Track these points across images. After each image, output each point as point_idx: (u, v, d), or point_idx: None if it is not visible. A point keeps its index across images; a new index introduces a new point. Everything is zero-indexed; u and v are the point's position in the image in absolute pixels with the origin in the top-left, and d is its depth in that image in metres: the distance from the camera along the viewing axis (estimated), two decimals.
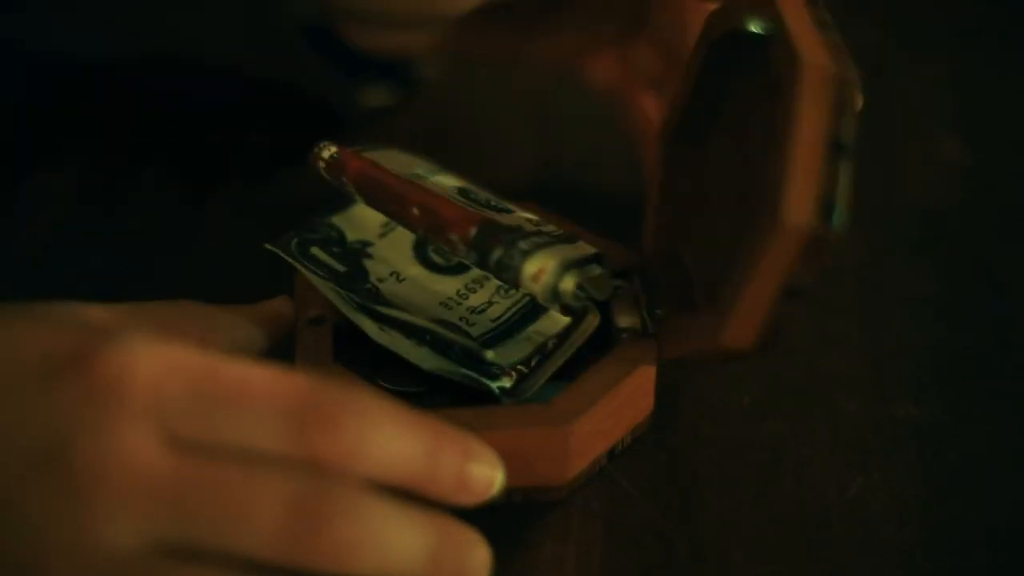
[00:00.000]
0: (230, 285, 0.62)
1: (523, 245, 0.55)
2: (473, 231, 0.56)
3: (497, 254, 0.55)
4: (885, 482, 0.57)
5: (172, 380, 0.44)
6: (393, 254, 0.62)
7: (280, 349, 0.56)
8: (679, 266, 0.59)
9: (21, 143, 0.77)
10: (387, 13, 0.68)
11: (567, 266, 0.55)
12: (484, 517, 0.47)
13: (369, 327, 0.57)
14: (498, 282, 0.60)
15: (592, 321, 0.57)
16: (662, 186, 0.60)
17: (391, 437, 0.45)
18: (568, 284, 0.55)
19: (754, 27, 0.51)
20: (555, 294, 0.55)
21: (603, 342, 0.58)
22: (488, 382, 0.55)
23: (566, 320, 0.57)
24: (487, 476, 0.47)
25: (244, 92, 0.78)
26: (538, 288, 0.55)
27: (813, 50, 0.49)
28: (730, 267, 0.50)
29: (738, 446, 0.59)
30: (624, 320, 0.57)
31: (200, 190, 0.74)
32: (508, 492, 0.52)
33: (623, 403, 0.56)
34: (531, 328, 0.59)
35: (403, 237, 0.62)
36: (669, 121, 0.59)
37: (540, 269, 0.54)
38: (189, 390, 0.44)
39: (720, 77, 0.57)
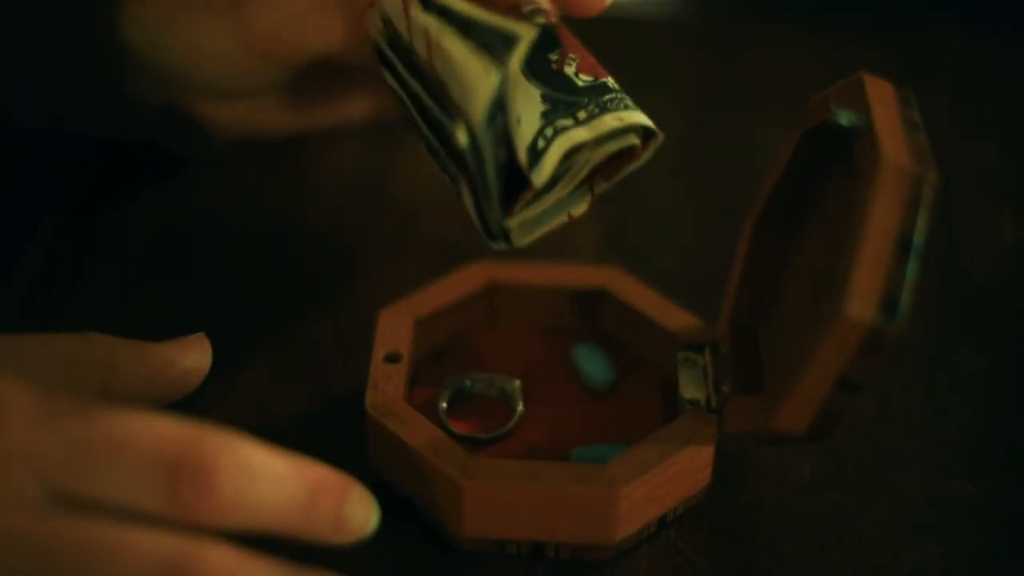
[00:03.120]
0: None
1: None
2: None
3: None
4: (942, 559, 0.57)
5: (46, 429, 0.44)
6: None
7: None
8: (752, 345, 0.60)
9: None
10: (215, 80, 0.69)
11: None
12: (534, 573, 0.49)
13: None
14: None
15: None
16: (746, 265, 0.61)
17: (267, 489, 0.45)
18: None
19: (844, 120, 0.53)
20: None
21: (668, 409, 0.60)
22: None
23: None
24: (362, 516, 0.47)
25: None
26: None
27: (896, 149, 0.50)
28: (795, 352, 0.52)
29: (797, 517, 0.59)
30: (689, 391, 0.59)
31: None
32: (556, 547, 0.54)
33: (678, 473, 0.57)
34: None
35: None
36: (759, 204, 0.60)
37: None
38: (64, 441, 0.44)
39: (811, 166, 0.58)
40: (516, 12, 0.55)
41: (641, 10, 1.14)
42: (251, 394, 0.65)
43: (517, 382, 0.61)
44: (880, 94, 0.53)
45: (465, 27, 0.54)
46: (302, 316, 0.69)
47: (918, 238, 0.49)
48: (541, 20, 0.55)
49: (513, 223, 0.57)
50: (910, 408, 0.66)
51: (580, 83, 0.58)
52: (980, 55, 0.93)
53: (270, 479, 0.45)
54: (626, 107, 0.57)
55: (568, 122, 0.56)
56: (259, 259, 0.74)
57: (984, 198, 0.80)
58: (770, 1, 2.10)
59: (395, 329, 0.61)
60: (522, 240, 0.58)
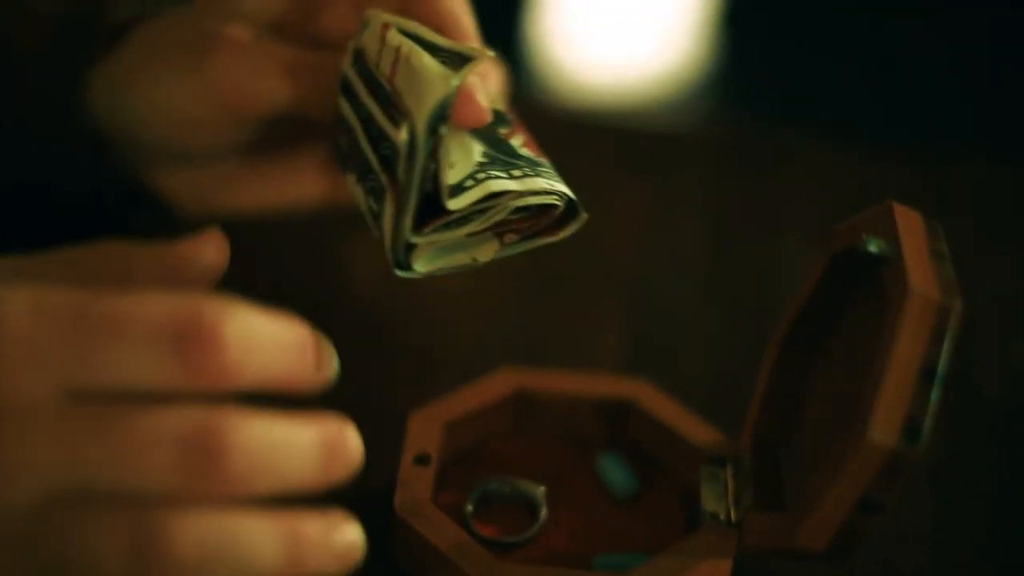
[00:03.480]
0: None
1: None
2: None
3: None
4: None
5: (41, 324, 0.43)
6: None
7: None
8: (774, 461, 0.61)
9: None
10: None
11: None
12: None
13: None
14: None
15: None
16: (769, 384, 0.62)
17: (268, 344, 0.45)
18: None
19: (873, 248, 0.54)
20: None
21: (690, 521, 0.61)
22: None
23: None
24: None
25: None
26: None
27: (924, 279, 0.52)
28: (816, 471, 0.53)
29: None
30: (711, 505, 0.60)
31: None
32: None
33: None
34: None
35: None
36: (785, 325, 0.62)
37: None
38: (61, 332, 0.43)
39: (837, 289, 0.59)
40: None
41: (669, 124, 1.16)
42: None
43: (542, 488, 0.62)
44: (909, 224, 0.55)
45: (432, 48, 0.59)
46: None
47: (942, 367, 0.51)
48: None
49: (421, 240, 0.58)
50: (921, 525, 0.66)
51: (522, 152, 0.61)
52: (1000, 180, 0.94)
53: (269, 335, 0.45)
54: (558, 180, 0.60)
55: (501, 174, 0.58)
56: None
57: (1000, 316, 0.81)
58: (795, 119, 2.13)
59: (425, 432, 0.62)
60: (424, 267, 0.59)
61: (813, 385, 0.62)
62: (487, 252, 0.61)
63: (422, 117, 0.56)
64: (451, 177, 0.57)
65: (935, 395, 0.50)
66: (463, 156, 0.59)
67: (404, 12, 0.63)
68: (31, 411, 0.43)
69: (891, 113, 2.22)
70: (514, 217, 0.60)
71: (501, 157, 0.60)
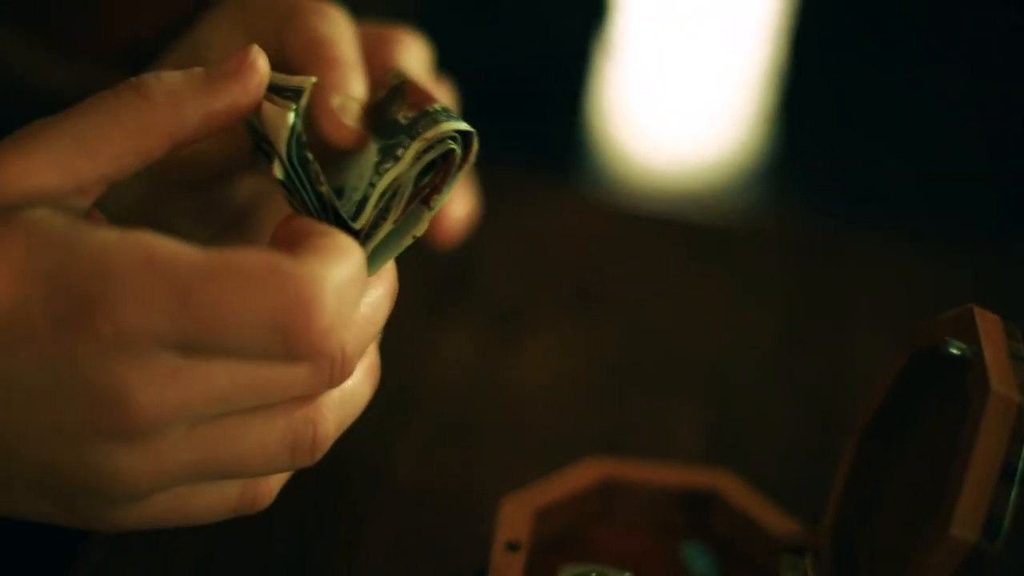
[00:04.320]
0: None
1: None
2: None
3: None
4: None
5: (154, 277, 0.46)
6: None
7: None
8: (852, 552, 0.63)
9: None
10: None
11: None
12: None
13: None
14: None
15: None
16: (848, 476, 0.64)
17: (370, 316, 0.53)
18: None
19: (954, 349, 0.57)
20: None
21: None
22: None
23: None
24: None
25: None
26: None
27: (1004, 380, 0.54)
28: (896, 564, 0.55)
29: None
30: None
31: None
32: None
33: None
34: None
35: None
36: (863, 420, 0.63)
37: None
38: (170, 289, 0.46)
39: (917, 387, 0.61)
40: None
41: (731, 214, 1.18)
42: (374, 572, 0.68)
43: (627, 574, 0.64)
44: (989, 327, 0.57)
45: (276, 90, 0.57)
46: (424, 500, 0.73)
47: (1022, 465, 0.53)
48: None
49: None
50: None
51: (403, 121, 0.59)
52: None
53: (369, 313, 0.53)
54: (435, 122, 0.58)
55: (389, 164, 0.58)
56: (383, 438, 0.77)
57: None
58: (852, 206, 2.14)
59: (516, 518, 0.64)
60: (374, 267, 0.57)
61: (890, 477, 0.63)
62: (422, 225, 0.59)
63: (282, 153, 0.56)
64: (349, 200, 0.57)
65: (1015, 492, 0.52)
66: (361, 170, 0.59)
67: (281, 40, 0.63)
68: (151, 349, 0.47)
69: (945, 203, 2.23)
70: (426, 180, 0.59)
71: (389, 143, 0.59)
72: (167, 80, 0.53)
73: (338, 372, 0.51)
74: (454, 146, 0.58)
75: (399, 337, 0.79)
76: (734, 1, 2.84)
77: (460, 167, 0.59)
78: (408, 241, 0.59)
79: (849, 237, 1.03)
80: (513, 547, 0.63)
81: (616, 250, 0.98)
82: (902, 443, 0.63)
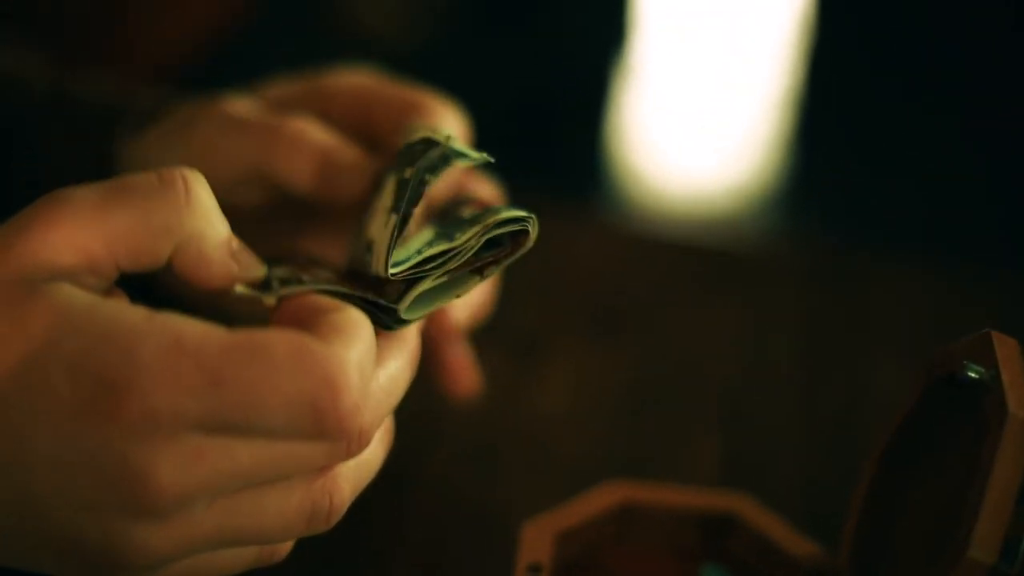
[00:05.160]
0: None
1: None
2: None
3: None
4: None
5: (182, 360, 0.47)
6: None
7: None
8: (871, 574, 0.64)
9: None
10: None
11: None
12: None
13: None
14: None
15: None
16: (866, 499, 0.64)
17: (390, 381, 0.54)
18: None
19: (972, 373, 0.57)
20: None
21: None
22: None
23: None
24: None
25: None
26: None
27: (1022, 404, 0.55)
28: None
29: None
30: None
31: None
32: None
33: None
34: None
35: None
36: (882, 443, 0.64)
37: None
38: (198, 371, 0.47)
39: (935, 411, 0.62)
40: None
41: (747, 240, 1.19)
42: None
43: None
44: (1007, 352, 0.57)
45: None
46: (447, 525, 0.73)
47: None
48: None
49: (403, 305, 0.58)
50: None
51: (466, 215, 0.61)
52: None
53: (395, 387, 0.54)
54: (498, 212, 0.59)
55: (442, 242, 0.59)
56: (405, 463, 0.78)
57: None
58: (879, 240, 2.15)
59: (537, 542, 0.65)
60: (412, 315, 0.58)
61: (908, 501, 0.64)
62: (468, 287, 0.60)
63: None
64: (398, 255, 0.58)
65: None
66: (413, 241, 0.60)
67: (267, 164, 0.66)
68: (178, 431, 0.47)
69: (961, 228, 2.23)
70: (488, 255, 0.59)
71: (448, 229, 0.60)
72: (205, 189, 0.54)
73: (356, 445, 0.52)
74: (527, 227, 0.59)
75: (421, 363, 0.80)
76: (752, 29, 2.85)
77: (521, 248, 0.60)
78: (451, 299, 0.60)
79: (865, 262, 1.04)
80: (535, 570, 0.64)
81: (634, 276, 0.98)
82: (920, 467, 0.63)
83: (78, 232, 0.50)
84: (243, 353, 0.48)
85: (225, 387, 0.47)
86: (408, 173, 0.59)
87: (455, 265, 0.58)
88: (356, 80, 0.71)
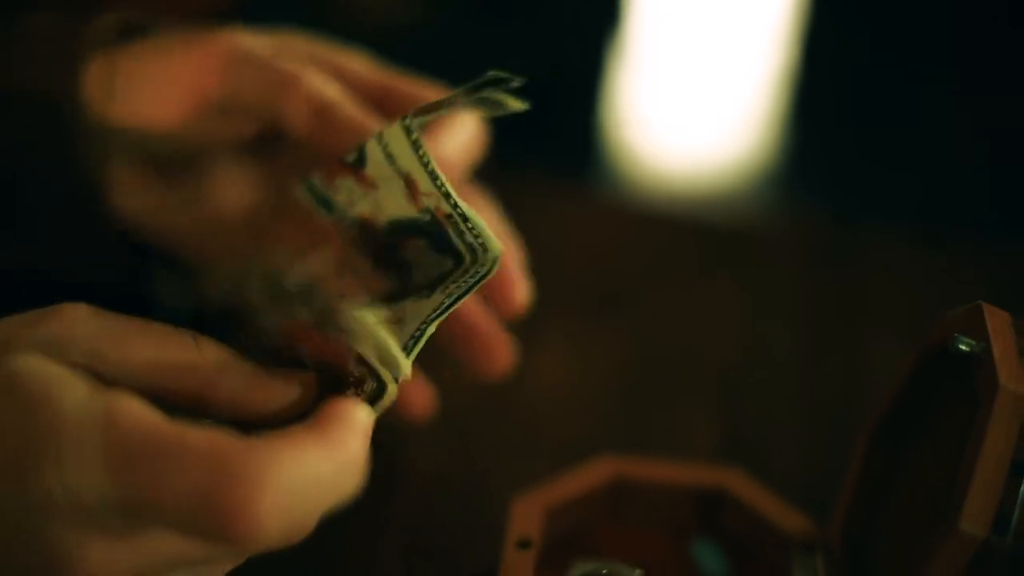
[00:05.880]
0: None
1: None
2: None
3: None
4: None
5: (109, 434, 0.47)
6: None
7: None
8: (863, 549, 0.63)
9: None
10: None
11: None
12: None
13: None
14: None
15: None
16: (860, 474, 0.64)
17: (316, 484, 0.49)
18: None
19: (964, 346, 0.57)
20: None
21: None
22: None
23: None
24: None
25: None
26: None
27: (1013, 376, 0.54)
28: (907, 560, 0.56)
29: None
30: None
31: None
32: None
33: None
34: None
35: None
36: (875, 417, 0.64)
37: None
38: (112, 452, 0.47)
39: (927, 384, 0.61)
40: None
41: (744, 218, 1.18)
42: (387, 569, 0.68)
43: (638, 571, 0.64)
44: (998, 323, 0.57)
45: None
46: (437, 499, 0.73)
47: None
48: None
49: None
50: None
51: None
52: None
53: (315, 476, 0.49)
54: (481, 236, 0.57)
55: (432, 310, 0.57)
56: (397, 437, 0.77)
57: None
58: (877, 216, 2.14)
59: (527, 517, 0.65)
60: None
61: (902, 475, 0.63)
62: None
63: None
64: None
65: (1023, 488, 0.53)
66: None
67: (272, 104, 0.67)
68: (98, 511, 0.47)
69: (958, 203, 2.23)
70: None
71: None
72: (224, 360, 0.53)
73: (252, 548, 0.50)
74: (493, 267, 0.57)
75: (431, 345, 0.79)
76: (748, 6, 2.85)
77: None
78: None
79: (863, 239, 1.03)
80: (524, 545, 0.63)
81: (631, 253, 0.98)
82: (914, 441, 0.63)
83: (92, 335, 0.51)
84: (161, 443, 0.47)
85: (136, 471, 0.47)
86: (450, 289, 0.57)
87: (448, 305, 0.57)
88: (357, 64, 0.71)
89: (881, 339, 0.89)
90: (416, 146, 0.57)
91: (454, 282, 0.57)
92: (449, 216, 0.57)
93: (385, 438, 0.75)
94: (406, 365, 0.54)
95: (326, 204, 0.61)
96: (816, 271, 0.97)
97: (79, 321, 0.51)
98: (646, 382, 0.85)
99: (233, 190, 0.71)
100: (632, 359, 0.87)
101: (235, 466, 0.47)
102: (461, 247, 0.57)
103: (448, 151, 0.67)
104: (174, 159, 0.70)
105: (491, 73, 0.56)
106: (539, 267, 0.93)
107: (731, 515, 0.68)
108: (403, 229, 0.59)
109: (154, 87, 0.69)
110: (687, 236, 1.00)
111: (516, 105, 0.59)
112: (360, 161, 0.60)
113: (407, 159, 0.58)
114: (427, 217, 0.58)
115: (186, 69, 0.68)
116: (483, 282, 0.56)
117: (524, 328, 0.79)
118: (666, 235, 1.00)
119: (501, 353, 0.71)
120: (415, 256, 0.59)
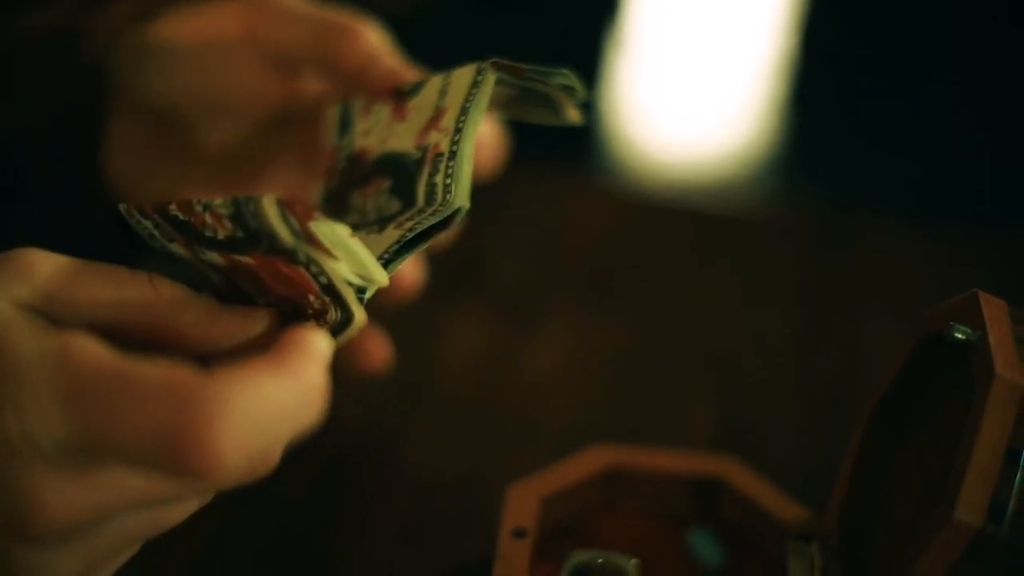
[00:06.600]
0: None
1: None
2: None
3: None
4: None
5: (72, 378, 0.46)
6: None
7: None
8: (860, 537, 0.63)
9: None
10: None
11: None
12: None
13: None
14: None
15: None
16: (856, 462, 0.64)
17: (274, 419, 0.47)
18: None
19: (960, 334, 0.56)
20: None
21: None
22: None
23: None
24: None
25: None
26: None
27: (1008, 364, 0.54)
28: (903, 549, 0.55)
29: None
30: None
31: None
32: None
33: None
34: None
35: None
36: (871, 405, 0.63)
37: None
38: (76, 393, 0.46)
39: (922, 372, 0.61)
40: None
41: (742, 206, 1.18)
42: (381, 557, 0.68)
43: (634, 560, 0.64)
44: (994, 311, 0.57)
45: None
46: (433, 487, 0.73)
47: None
48: None
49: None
50: None
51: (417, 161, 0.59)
52: None
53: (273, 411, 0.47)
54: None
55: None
56: (393, 424, 0.77)
57: None
58: (863, 195, 2.14)
59: (523, 506, 0.64)
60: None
61: (898, 463, 0.63)
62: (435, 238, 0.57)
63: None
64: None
65: (1019, 476, 0.52)
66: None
67: (328, 52, 0.67)
68: (57, 452, 0.46)
69: (955, 191, 2.23)
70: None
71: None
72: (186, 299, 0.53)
73: (218, 482, 0.50)
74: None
75: (411, 325, 0.79)
76: None
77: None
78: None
79: (860, 227, 1.03)
80: (520, 534, 0.63)
81: (628, 240, 0.98)
82: (910, 429, 0.63)
83: (50, 275, 0.51)
84: (116, 379, 0.46)
85: (92, 409, 0.46)
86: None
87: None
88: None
89: (879, 326, 0.89)
90: (475, 84, 0.57)
91: (408, 220, 0.56)
92: (440, 154, 0.56)
93: (380, 428, 0.76)
94: (381, 274, 0.52)
95: (344, 127, 0.62)
96: (814, 258, 0.97)
97: (32, 264, 0.51)
98: (643, 370, 0.85)
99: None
100: (629, 347, 0.87)
101: (192, 398, 0.45)
102: (420, 192, 0.57)
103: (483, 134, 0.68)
104: (182, 118, 0.70)
105: (566, 70, 0.56)
106: (538, 255, 0.93)
107: (728, 504, 0.68)
108: (382, 166, 0.59)
109: (206, 48, 0.68)
110: (685, 223, 1.00)
111: (574, 117, 0.59)
112: (413, 92, 0.60)
113: (456, 95, 0.57)
114: (418, 155, 0.58)
115: (233, 24, 0.68)
116: (440, 232, 0.55)
117: (520, 314, 0.79)
118: (664, 222, 1.00)
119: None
120: (374, 195, 0.59)
